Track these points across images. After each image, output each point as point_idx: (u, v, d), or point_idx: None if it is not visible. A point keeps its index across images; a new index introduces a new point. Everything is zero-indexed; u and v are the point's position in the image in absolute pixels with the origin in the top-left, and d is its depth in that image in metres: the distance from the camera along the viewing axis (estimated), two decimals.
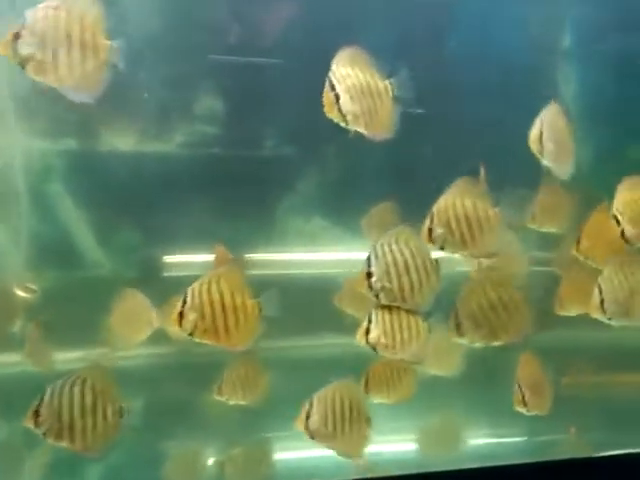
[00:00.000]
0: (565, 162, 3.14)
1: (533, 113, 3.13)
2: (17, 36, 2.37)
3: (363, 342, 2.78)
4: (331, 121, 2.99)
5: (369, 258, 2.75)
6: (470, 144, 4.10)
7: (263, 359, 3.46)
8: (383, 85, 2.68)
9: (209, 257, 3.68)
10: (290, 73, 4.10)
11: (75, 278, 4.16)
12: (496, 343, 3.03)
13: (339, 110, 2.63)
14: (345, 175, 4.27)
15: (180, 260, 4.11)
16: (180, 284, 4.08)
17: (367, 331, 2.79)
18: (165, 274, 4.13)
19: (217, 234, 3.90)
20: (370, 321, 2.79)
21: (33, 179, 4.19)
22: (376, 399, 3.40)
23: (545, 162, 3.08)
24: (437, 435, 3.82)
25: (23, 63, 2.39)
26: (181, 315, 2.65)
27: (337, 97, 2.61)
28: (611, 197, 3.13)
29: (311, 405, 2.75)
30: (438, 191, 2.91)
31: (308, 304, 4.12)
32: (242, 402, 3.43)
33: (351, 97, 2.63)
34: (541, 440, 3.65)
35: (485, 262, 3.24)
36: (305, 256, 4.38)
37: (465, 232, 2.80)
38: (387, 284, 2.73)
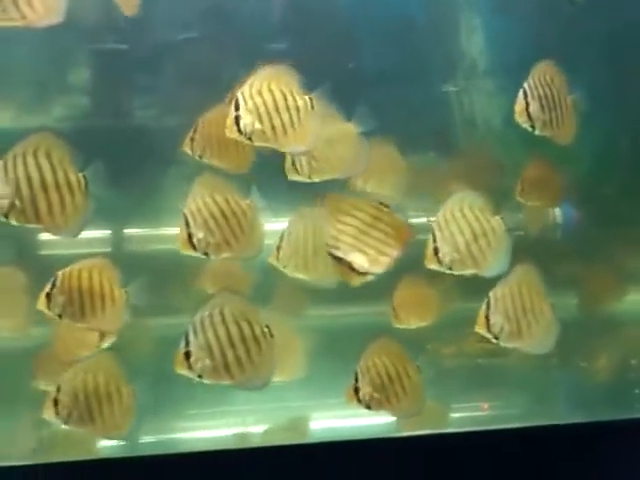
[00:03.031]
0: (563, 126, 2.95)
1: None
2: None
3: None
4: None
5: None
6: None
7: None
8: (302, 101, 2.67)
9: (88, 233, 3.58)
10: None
11: None
12: None
13: (238, 131, 2.61)
14: None
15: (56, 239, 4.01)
16: (57, 262, 4.04)
17: None
18: (41, 252, 4.05)
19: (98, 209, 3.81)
20: None
21: None
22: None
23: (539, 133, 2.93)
24: None
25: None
26: (48, 297, 2.75)
27: (238, 118, 2.61)
28: None
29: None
30: None
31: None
32: None
33: (256, 117, 2.62)
34: None
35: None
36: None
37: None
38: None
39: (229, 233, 2.71)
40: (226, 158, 3.18)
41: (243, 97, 2.62)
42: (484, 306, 2.74)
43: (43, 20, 2.47)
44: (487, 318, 2.73)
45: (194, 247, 2.70)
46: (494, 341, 2.76)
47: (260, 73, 2.68)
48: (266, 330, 2.56)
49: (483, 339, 3.67)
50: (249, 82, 2.66)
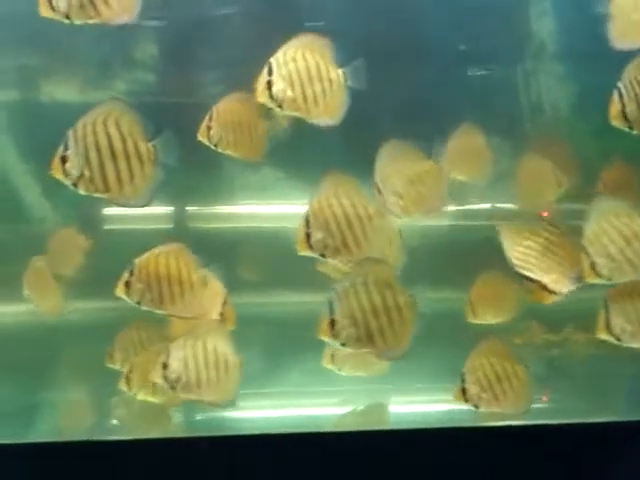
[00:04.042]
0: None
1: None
2: (64, 159, 2.47)
3: None
4: None
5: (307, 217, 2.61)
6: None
7: None
8: (335, 73, 2.63)
9: (151, 210, 3.61)
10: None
11: (19, 231, 4.10)
12: None
13: (270, 97, 2.58)
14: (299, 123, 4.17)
15: (121, 213, 4.03)
16: (121, 236, 4.08)
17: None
18: (106, 227, 4.07)
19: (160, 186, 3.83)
20: None
21: None
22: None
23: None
24: None
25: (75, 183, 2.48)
26: (127, 284, 2.71)
27: (270, 83, 2.57)
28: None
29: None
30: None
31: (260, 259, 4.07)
32: None
33: (288, 84, 2.58)
34: None
35: None
36: (254, 209, 4.29)
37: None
38: (330, 241, 2.60)
39: (350, 237, 2.60)
40: (241, 147, 3.18)
41: (277, 62, 2.58)
42: (603, 309, 2.74)
43: (118, 18, 2.51)
44: (607, 321, 2.71)
45: (311, 247, 2.61)
46: (616, 342, 2.74)
47: (295, 40, 2.63)
48: (410, 299, 2.55)
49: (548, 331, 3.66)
50: (284, 48, 2.61)
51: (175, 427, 3.15)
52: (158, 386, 2.87)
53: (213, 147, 3.12)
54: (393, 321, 2.51)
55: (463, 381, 2.82)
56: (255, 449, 2.64)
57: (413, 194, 2.84)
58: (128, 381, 3.07)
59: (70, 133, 2.48)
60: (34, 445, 2.80)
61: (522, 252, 2.74)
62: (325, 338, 2.52)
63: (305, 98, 2.59)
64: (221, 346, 2.69)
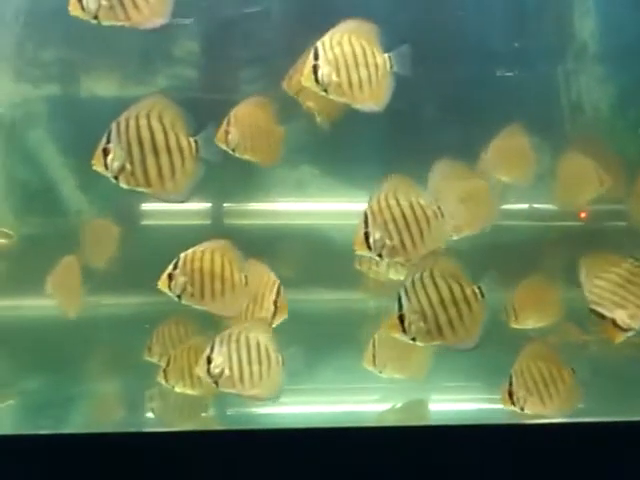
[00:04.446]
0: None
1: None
2: (106, 152, 2.46)
3: None
4: None
5: (365, 217, 2.60)
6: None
7: None
8: (381, 59, 2.61)
9: (187, 206, 3.63)
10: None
11: (56, 224, 4.14)
12: None
13: (316, 80, 2.56)
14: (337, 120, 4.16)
15: (158, 208, 4.05)
16: (158, 232, 4.10)
17: None
18: (143, 222, 4.10)
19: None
20: None
21: (15, 125, 4.17)
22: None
23: None
24: None
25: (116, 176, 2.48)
26: (170, 277, 2.71)
27: (317, 67, 2.55)
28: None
29: None
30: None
31: (296, 256, 4.07)
32: None
33: (334, 68, 2.56)
34: None
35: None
36: (292, 206, 4.30)
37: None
38: (388, 241, 2.60)
39: (407, 238, 2.60)
40: (259, 152, 3.17)
41: (323, 47, 2.56)
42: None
43: (148, 22, 2.48)
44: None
45: (369, 247, 2.60)
46: None
47: (341, 25, 2.60)
48: (477, 291, 2.55)
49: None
50: (330, 33, 2.59)
51: (211, 420, 3.16)
52: (196, 379, 2.89)
53: (231, 152, 3.11)
54: (462, 313, 2.52)
55: (510, 384, 2.81)
56: (293, 444, 2.63)
57: (465, 213, 2.88)
58: (166, 374, 3.10)
59: (113, 126, 2.47)
60: (68, 436, 2.82)
61: (598, 285, 2.71)
62: (395, 334, 2.53)
63: (350, 83, 2.57)
64: (264, 341, 2.69)
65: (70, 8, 2.44)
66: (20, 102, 4.11)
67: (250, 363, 2.64)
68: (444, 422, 2.88)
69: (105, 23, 2.46)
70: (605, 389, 3.18)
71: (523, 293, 3.55)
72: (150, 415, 3.19)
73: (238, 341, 2.65)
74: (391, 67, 2.61)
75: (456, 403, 3.38)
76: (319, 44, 2.56)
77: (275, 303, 2.87)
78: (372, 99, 2.62)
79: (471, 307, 2.53)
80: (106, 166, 2.47)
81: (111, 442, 2.68)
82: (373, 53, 2.60)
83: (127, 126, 2.47)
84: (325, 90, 2.58)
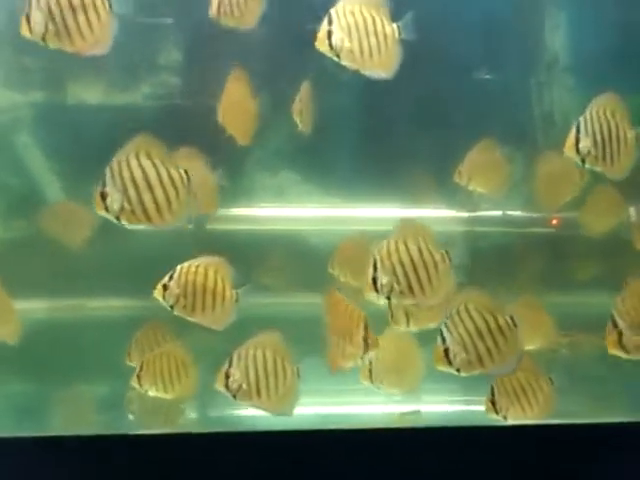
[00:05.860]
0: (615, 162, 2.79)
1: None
2: (104, 195, 2.56)
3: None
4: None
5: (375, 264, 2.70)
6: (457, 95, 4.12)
7: None
8: (390, 28, 2.71)
9: None
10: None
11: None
12: None
13: (330, 45, 2.66)
14: (317, 127, 4.22)
15: None
16: (140, 235, 4.15)
17: None
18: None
19: None
20: None
21: (1, 131, 4.21)
22: None
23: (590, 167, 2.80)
24: None
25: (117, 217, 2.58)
26: (165, 288, 2.80)
27: (330, 33, 2.65)
28: None
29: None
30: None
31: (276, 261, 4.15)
32: None
33: (347, 34, 2.66)
34: None
35: None
36: (272, 211, 4.39)
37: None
38: (396, 285, 2.70)
39: (415, 282, 2.70)
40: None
41: (337, 14, 2.67)
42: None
43: (90, 50, 2.55)
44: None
45: (377, 290, 2.71)
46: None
47: None
48: (509, 320, 2.70)
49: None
50: (342, 2, 2.68)
51: (188, 423, 3.28)
52: (169, 384, 3.09)
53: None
54: (497, 341, 2.68)
55: (493, 394, 2.96)
56: (277, 447, 2.72)
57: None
58: (139, 379, 3.19)
59: (107, 170, 2.56)
60: (48, 438, 2.87)
61: (624, 300, 2.87)
62: (442, 367, 2.68)
63: (362, 50, 2.68)
64: (280, 355, 2.79)
65: (21, 28, 2.50)
66: (7, 108, 4.16)
67: (267, 377, 2.76)
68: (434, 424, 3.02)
69: (52, 47, 2.52)
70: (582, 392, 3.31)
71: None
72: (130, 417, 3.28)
73: (255, 356, 2.76)
74: (399, 36, 2.71)
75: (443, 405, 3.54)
76: (333, 11, 2.67)
77: (365, 339, 2.92)
78: (381, 66, 2.72)
79: (505, 335, 2.69)
80: (106, 208, 2.57)
81: (91, 444, 2.75)
82: (382, 22, 2.71)
83: (120, 168, 2.57)
84: (337, 55, 2.68)
